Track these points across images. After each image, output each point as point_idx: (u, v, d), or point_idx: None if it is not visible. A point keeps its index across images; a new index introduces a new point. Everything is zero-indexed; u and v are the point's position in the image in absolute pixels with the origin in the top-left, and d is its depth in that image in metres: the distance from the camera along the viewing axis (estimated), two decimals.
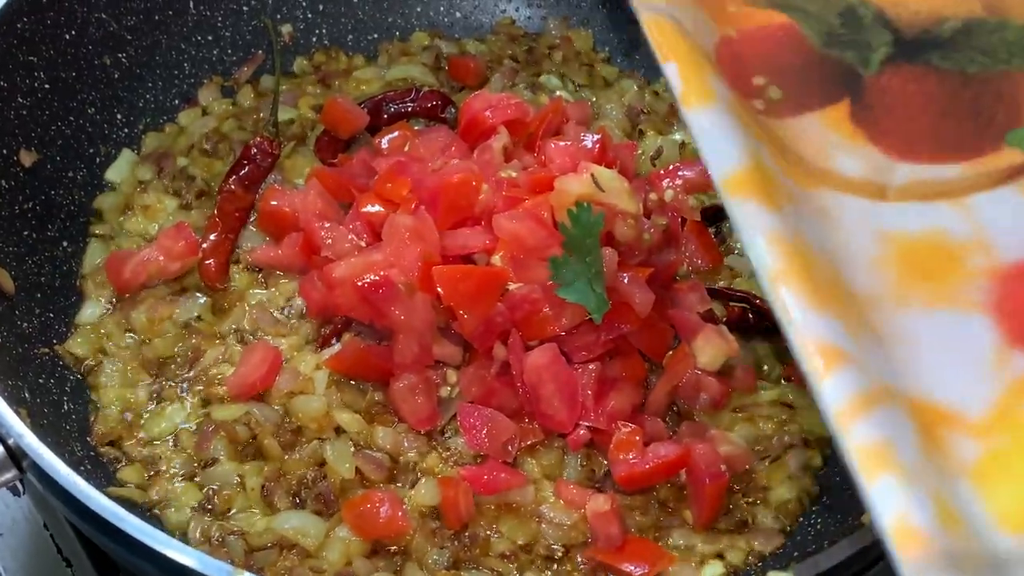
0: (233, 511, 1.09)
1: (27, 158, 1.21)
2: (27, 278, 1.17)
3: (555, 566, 1.08)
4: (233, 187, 1.30)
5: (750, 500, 1.14)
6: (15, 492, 1.20)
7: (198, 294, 1.24)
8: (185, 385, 1.18)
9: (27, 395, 1.06)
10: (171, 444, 1.13)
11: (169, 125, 1.39)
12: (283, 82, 1.42)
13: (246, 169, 1.31)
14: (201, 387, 1.17)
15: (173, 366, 1.19)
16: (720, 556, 1.09)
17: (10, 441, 0.94)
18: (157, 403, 1.16)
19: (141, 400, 1.16)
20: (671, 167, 1.36)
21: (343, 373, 1.17)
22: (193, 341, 1.20)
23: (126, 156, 1.34)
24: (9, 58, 1.19)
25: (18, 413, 0.95)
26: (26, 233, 1.20)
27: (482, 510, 1.10)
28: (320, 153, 1.36)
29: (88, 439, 1.13)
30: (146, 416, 1.15)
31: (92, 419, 1.15)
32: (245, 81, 1.45)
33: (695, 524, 1.11)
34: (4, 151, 1.18)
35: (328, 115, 1.37)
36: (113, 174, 1.32)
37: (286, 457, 1.12)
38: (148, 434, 1.14)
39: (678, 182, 1.33)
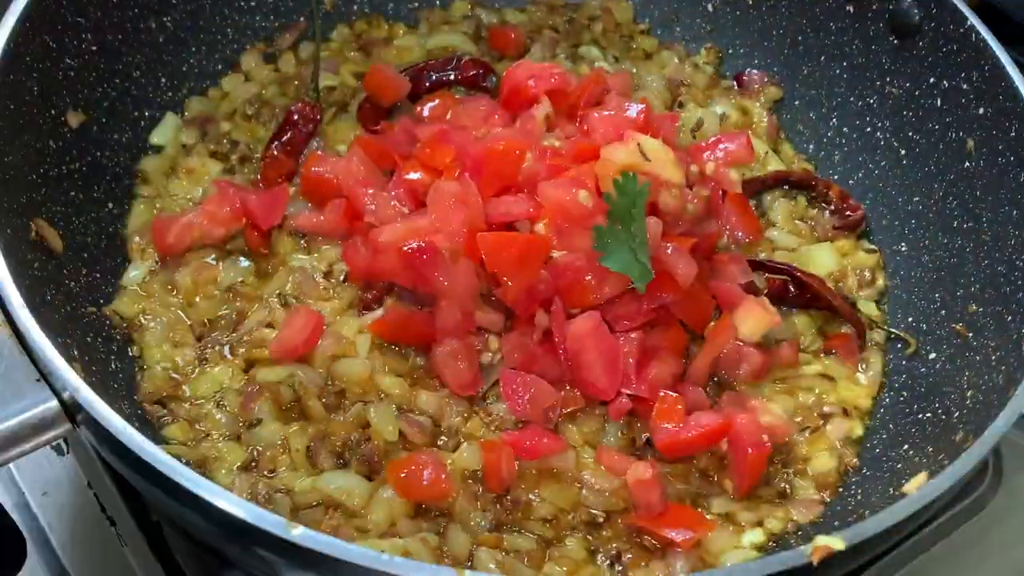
0: (277, 471, 1.10)
1: (74, 119, 1.21)
2: (74, 238, 1.18)
3: (597, 531, 1.09)
4: (276, 152, 1.31)
5: (790, 471, 1.15)
6: (59, 452, 1.21)
7: (242, 258, 1.25)
8: (229, 346, 1.18)
9: (76, 352, 1.07)
10: (216, 405, 1.14)
11: (212, 90, 1.39)
12: (324, 49, 1.42)
13: (289, 134, 1.32)
14: (244, 349, 1.18)
15: (217, 328, 1.20)
16: (759, 524, 1.10)
17: (65, 395, 0.95)
18: (201, 364, 1.17)
19: (187, 360, 1.17)
20: (712, 139, 1.36)
21: (385, 338, 1.18)
22: (237, 304, 1.21)
23: (170, 120, 1.34)
24: (58, 19, 1.19)
25: (72, 368, 0.95)
26: (73, 193, 1.20)
27: (524, 475, 1.11)
28: (363, 120, 1.36)
29: (135, 397, 1.14)
30: (191, 376, 1.16)
31: (138, 378, 1.16)
32: (287, 48, 1.44)
33: (735, 493, 1.12)
34: (52, 111, 1.19)
35: (370, 82, 1.37)
36: (158, 137, 1.33)
37: (330, 419, 1.13)
38: (193, 394, 1.15)
39: (719, 154, 1.34)
